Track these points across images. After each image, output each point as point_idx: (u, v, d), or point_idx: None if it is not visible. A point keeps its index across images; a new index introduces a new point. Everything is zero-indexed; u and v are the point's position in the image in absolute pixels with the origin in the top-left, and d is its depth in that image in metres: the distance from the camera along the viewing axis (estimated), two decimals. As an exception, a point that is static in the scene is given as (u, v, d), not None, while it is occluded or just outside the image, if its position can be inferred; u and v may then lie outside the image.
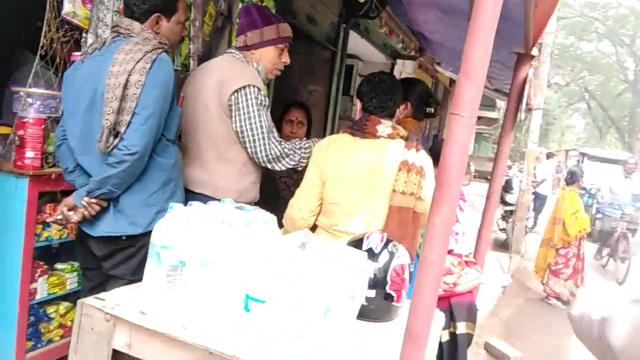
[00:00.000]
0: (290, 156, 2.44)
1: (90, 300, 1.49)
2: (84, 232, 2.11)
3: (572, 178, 6.58)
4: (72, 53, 2.52)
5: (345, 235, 2.16)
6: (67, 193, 2.61)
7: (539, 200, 11.57)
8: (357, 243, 1.79)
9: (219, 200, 2.43)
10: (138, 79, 1.91)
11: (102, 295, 1.52)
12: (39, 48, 2.36)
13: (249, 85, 2.34)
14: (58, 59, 2.45)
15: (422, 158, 2.23)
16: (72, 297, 2.87)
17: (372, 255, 1.72)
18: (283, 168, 2.47)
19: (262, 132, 2.36)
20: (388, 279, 1.72)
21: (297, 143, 2.49)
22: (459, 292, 3.17)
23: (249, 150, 2.39)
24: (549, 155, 14.20)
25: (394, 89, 2.35)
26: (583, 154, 17.29)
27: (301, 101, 4.00)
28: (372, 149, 2.24)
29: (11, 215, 2.43)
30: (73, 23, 2.45)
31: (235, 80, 2.34)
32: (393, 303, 1.74)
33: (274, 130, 2.44)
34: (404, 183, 2.17)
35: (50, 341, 2.75)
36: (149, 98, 1.93)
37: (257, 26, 2.49)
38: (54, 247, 2.81)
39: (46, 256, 2.72)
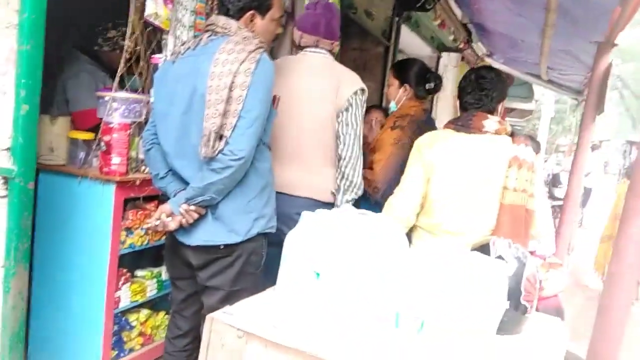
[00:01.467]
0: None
1: (219, 315, 1.41)
2: (177, 241, 2.03)
3: (629, 171, 6.31)
4: (153, 56, 2.46)
5: (450, 235, 2.07)
6: (150, 199, 2.58)
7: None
8: (482, 250, 1.67)
9: (322, 202, 2.41)
10: (243, 80, 1.81)
11: (230, 309, 1.44)
12: (124, 51, 2.30)
13: (362, 89, 2.37)
14: (141, 62, 2.39)
15: (531, 154, 2.11)
16: (148, 304, 2.84)
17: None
18: (357, 174, 2.41)
19: (358, 135, 2.38)
20: (522, 289, 1.59)
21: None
22: (544, 296, 3.04)
23: (343, 152, 2.34)
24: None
25: (494, 84, 2.23)
26: (631, 143, 16.63)
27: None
28: (480, 145, 2.14)
29: (98, 222, 2.38)
30: (155, 25, 2.39)
31: (353, 82, 2.36)
32: (526, 314, 1.62)
33: None
34: (515, 179, 2.06)
35: (131, 350, 2.71)
36: (254, 100, 1.83)
37: (338, 36, 2.52)
38: (134, 254, 2.77)
39: (128, 263, 2.67)
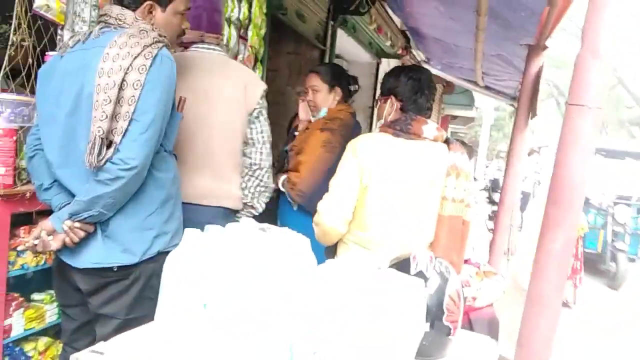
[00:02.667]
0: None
1: (85, 355, 1.18)
2: (64, 263, 1.76)
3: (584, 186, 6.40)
4: (46, 53, 2.19)
5: (388, 250, 1.88)
6: (46, 214, 2.29)
7: (524, 199, 11.48)
8: (402, 265, 1.51)
9: (234, 210, 2.24)
10: (137, 78, 1.57)
11: (99, 347, 1.21)
12: (8, 47, 2.02)
13: (265, 89, 2.26)
14: (30, 60, 2.11)
15: (467, 161, 2.00)
16: (51, 331, 2.54)
17: (423, 280, 1.45)
18: (271, 179, 2.36)
19: (270, 139, 2.26)
20: (444, 308, 1.44)
21: None
22: (478, 306, 2.94)
23: (258, 157, 2.23)
24: (531, 152, 14.22)
25: (431, 86, 2.11)
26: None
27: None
28: (420, 152, 2.00)
29: (-21, 242, 2.08)
30: (47, 18, 2.12)
31: (259, 84, 2.25)
32: (449, 337, 1.46)
33: None
34: (454, 189, 1.95)
35: (29, 383, 2.40)
36: (149, 101, 1.60)
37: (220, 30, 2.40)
38: (30, 276, 2.46)
39: (21, 286, 2.37)
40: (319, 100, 2.85)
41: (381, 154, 2.00)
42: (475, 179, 13.07)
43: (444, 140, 2.05)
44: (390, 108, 2.11)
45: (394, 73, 2.16)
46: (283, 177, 2.76)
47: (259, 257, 1.17)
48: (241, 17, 3.21)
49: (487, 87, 6.58)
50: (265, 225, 1.37)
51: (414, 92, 2.07)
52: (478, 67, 4.91)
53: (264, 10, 3.47)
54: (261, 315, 1.11)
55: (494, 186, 9.24)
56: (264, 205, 2.35)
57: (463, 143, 3.35)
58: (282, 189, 2.74)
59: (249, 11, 3.28)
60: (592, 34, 0.83)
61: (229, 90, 2.15)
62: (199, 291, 1.15)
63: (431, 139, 2.01)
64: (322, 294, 1.18)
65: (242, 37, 3.34)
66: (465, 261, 3.04)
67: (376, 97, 2.25)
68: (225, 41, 3.19)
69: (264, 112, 2.24)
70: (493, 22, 3.37)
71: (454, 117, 19.46)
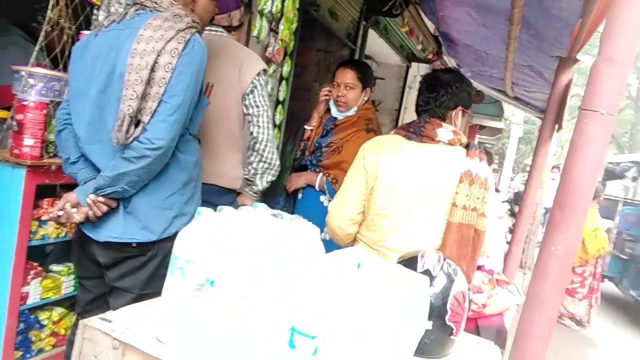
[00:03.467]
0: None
1: (94, 321, 1.22)
2: (85, 236, 1.82)
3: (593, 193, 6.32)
4: (82, 32, 2.25)
5: (394, 252, 1.87)
6: (69, 187, 2.36)
7: (546, 214, 11.32)
8: (409, 262, 1.51)
9: (227, 189, 2.28)
10: (168, 61, 1.61)
11: (108, 315, 1.25)
12: (45, 23, 2.08)
13: (264, 70, 2.29)
14: (65, 37, 2.18)
15: (486, 169, 1.93)
16: (66, 303, 2.61)
17: (429, 278, 1.45)
18: (274, 156, 2.37)
19: (270, 116, 2.31)
20: (448, 308, 1.44)
21: None
22: (487, 313, 2.92)
23: (259, 135, 2.27)
24: (553, 168, 13.99)
25: (447, 87, 2.04)
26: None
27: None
28: (431, 155, 1.95)
29: (4, 209, 2.16)
30: (84, -3, 2.19)
31: (254, 64, 2.27)
32: (451, 337, 1.47)
33: None
34: (466, 196, 1.87)
35: (40, 351, 2.48)
36: (179, 84, 1.64)
37: (238, 5, 2.40)
38: (50, 247, 2.54)
39: (40, 256, 2.44)
40: (351, 97, 2.84)
41: (388, 156, 1.98)
42: (497, 190, 12.92)
43: (465, 145, 1.99)
44: None
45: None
46: (320, 175, 2.78)
47: (268, 240, 1.19)
48: (274, 10, 3.24)
49: (516, 98, 6.49)
50: (278, 211, 1.40)
51: (424, 91, 2.06)
52: (508, 77, 4.85)
53: (297, 5, 3.50)
54: (265, 295, 1.14)
55: (516, 199, 9.11)
56: (265, 184, 2.37)
57: (485, 150, 3.33)
58: (319, 188, 2.77)
59: (282, 4, 3.31)
60: (609, 40, 0.84)
61: (223, 71, 2.18)
62: (207, 268, 1.18)
63: (446, 143, 1.96)
64: (327, 282, 1.20)
65: (273, 30, 3.37)
66: (478, 267, 3.03)
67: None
68: (256, 32, 3.23)
69: (259, 88, 2.26)
70: (525, 31, 3.33)
71: (482, 127, 19.24)
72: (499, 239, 3.32)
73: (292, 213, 1.51)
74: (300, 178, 2.90)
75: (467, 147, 1.99)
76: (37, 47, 2.11)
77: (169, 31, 1.65)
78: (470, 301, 1.54)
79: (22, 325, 2.35)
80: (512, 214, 8.89)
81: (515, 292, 3.10)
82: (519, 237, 3.35)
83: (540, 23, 3.16)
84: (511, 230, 9.71)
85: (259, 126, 2.26)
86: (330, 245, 2.63)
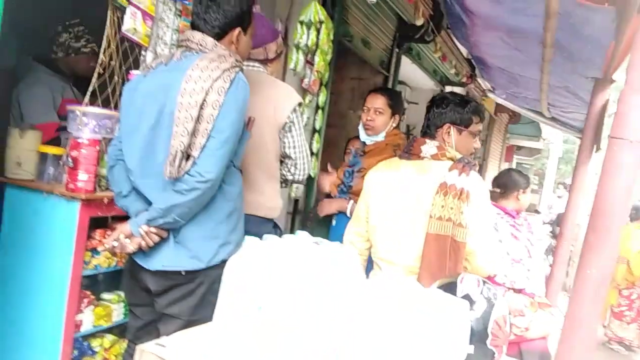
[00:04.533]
0: None
1: (149, 346, 1.30)
2: (137, 264, 1.91)
3: (638, 213, 6.16)
4: (131, 72, 2.40)
5: (387, 264, 2.04)
6: (119, 219, 2.48)
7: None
8: (449, 287, 1.55)
9: (268, 220, 2.36)
10: (216, 99, 1.72)
11: (162, 340, 1.33)
12: (97, 65, 2.23)
13: (300, 104, 2.34)
14: (116, 77, 2.32)
15: (469, 182, 1.98)
16: (117, 330, 2.71)
17: (469, 302, 1.49)
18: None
19: (306, 150, 2.37)
20: (489, 332, 1.47)
21: None
22: (530, 337, 2.89)
23: (295, 168, 2.35)
24: (561, 184, 13.64)
25: (440, 108, 2.18)
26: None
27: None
28: (415, 171, 2.09)
29: (61, 240, 2.28)
30: (133, 40, 2.33)
31: (289, 99, 2.31)
32: (493, 360, 1.49)
33: None
34: (441, 207, 1.94)
35: (93, 377, 2.58)
36: (226, 120, 1.74)
37: (275, 37, 2.45)
38: (101, 276, 2.65)
39: (92, 285, 2.56)
40: (380, 122, 2.91)
41: (380, 173, 2.20)
42: (537, 211, 12.64)
43: (454, 159, 2.07)
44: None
45: None
46: (351, 202, 2.84)
47: (311, 266, 1.25)
48: (309, 43, 3.36)
49: (553, 119, 6.43)
50: (318, 239, 1.46)
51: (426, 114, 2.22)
52: (544, 98, 4.84)
53: (331, 37, 3.61)
54: (310, 320, 1.19)
55: (558, 221, 8.91)
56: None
57: (518, 172, 3.34)
58: (350, 214, 2.82)
59: (317, 37, 3.43)
60: (635, 70, 0.88)
61: (259, 106, 2.21)
62: (254, 294, 1.24)
63: (429, 158, 2.07)
64: (368, 306, 1.25)
65: (309, 62, 3.49)
66: (520, 291, 3.01)
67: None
68: (292, 65, 3.34)
69: (297, 124, 2.31)
70: (559, 54, 3.34)
71: (519, 148, 18.94)
72: (538, 261, 3.28)
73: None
74: (332, 204, 2.98)
75: (456, 160, 2.08)
76: (90, 88, 2.25)
77: (215, 71, 1.75)
78: (511, 325, 1.56)
79: (76, 352, 2.45)
80: (554, 235, 8.70)
81: (559, 315, 3.06)
82: (561, 259, 3.31)
83: (574, 45, 3.17)
84: (551, 252, 9.50)
85: (296, 167, 2.35)
86: None
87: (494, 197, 3.22)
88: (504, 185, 3.39)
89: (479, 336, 1.47)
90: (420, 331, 1.25)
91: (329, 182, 3.03)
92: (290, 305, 1.22)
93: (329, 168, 3.11)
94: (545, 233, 9.81)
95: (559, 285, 3.47)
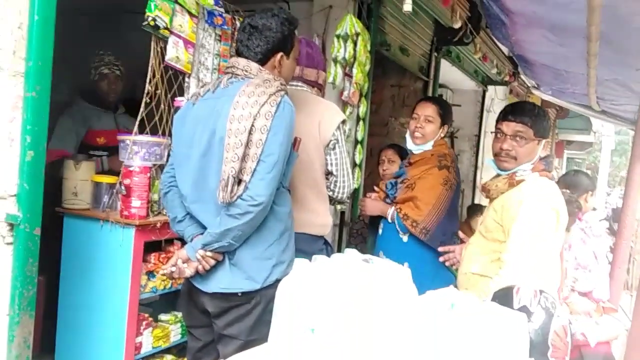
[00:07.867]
0: None
1: (210, 370, 1.32)
2: (194, 287, 1.96)
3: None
4: (176, 99, 2.47)
5: None
6: (172, 242, 2.56)
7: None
8: (504, 298, 1.52)
9: (319, 237, 2.37)
10: (264, 124, 1.75)
11: (222, 364, 1.35)
12: (144, 95, 2.31)
13: (344, 121, 2.35)
14: (162, 105, 2.40)
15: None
16: (174, 350, 2.78)
17: (527, 314, 1.45)
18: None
19: (348, 168, 2.39)
20: (549, 344, 1.43)
21: None
22: (594, 342, 2.79)
23: (340, 185, 2.36)
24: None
25: None
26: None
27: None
28: None
29: (119, 266, 2.37)
30: (176, 68, 2.41)
31: (333, 117, 2.31)
32: (555, 373, 1.45)
33: None
34: None
35: (155, 397, 2.65)
36: (274, 144, 1.78)
37: (325, 69, 2.57)
38: (157, 298, 2.73)
39: (150, 307, 2.64)
40: (429, 131, 2.84)
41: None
42: (594, 208, 12.17)
43: None
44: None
45: None
46: (392, 209, 2.82)
47: (363, 286, 1.25)
48: (347, 56, 3.37)
49: (604, 112, 6.21)
50: (368, 256, 1.46)
51: None
52: (592, 92, 4.67)
53: (369, 49, 3.61)
54: (363, 341, 1.19)
55: (615, 216, 8.56)
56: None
57: (583, 173, 3.28)
58: (390, 220, 2.81)
59: (354, 50, 3.44)
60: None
61: (304, 125, 2.20)
62: (307, 316, 1.25)
63: None
64: (423, 323, 1.24)
65: (348, 75, 3.50)
66: (585, 294, 2.92)
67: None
68: (331, 79, 3.36)
69: (340, 142, 2.32)
70: (606, 47, 3.23)
71: (570, 142, 18.28)
72: (603, 263, 3.15)
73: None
74: (375, 205, 2.94)
75: None
76: (139, 118, 2.33)
77: (262, 96, 1.78)
78: (572, 334, 1.51)
79: (137, 374, 2.54)
80: (612, 232, 8.36)
81: (623, 319, 2.95)
82: (621, 257, 3.18)
83: (620, 37, 3.07)
84: (612, 250, 9.11)
85: (336, 184, 2.35)
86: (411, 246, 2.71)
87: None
88: (574, 187, 3.32)
89: (538, 349, 1.42)
90: (476, 347, 1.23)
91: (377, 209, 2.96)
92: (342, 327, 1.22)
93: (372, 195, 3.05)
94: (603, 230, 9.44)
95: (620, 284, 3.34)
